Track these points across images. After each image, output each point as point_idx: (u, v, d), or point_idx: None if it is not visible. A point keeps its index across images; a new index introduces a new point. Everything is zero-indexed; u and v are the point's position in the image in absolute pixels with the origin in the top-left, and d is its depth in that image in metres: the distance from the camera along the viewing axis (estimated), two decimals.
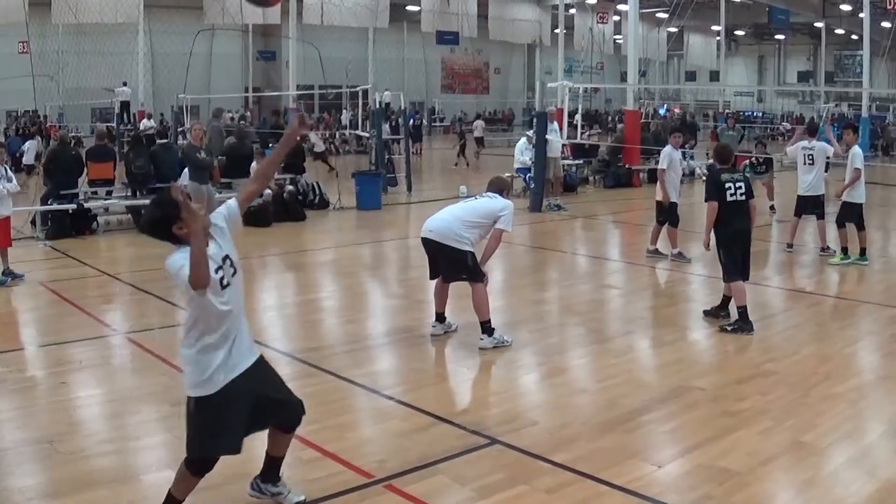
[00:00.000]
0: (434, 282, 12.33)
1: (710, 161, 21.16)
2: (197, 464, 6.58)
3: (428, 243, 11.99)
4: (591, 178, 33.68)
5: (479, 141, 47.33)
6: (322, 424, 8.51)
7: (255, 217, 20.91)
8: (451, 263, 11.84)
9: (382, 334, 12.56)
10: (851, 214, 18.06)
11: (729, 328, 12.88)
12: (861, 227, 18.16)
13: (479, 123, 51.21)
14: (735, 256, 13.00)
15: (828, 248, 18.83)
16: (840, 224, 18.22)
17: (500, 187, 12.36)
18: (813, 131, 19.64)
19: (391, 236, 21.54)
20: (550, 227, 23.34)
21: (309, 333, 12.50)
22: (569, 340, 12.67)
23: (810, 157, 18.50)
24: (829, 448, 8.65)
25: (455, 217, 11.90)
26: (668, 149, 18.64)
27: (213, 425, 6.43)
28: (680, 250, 18.17)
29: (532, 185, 26.45)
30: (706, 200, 13.15)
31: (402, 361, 11.35)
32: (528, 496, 7.40)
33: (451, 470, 7.79)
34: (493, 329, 11.84)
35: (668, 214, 18.36)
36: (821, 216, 18.72)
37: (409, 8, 59.58)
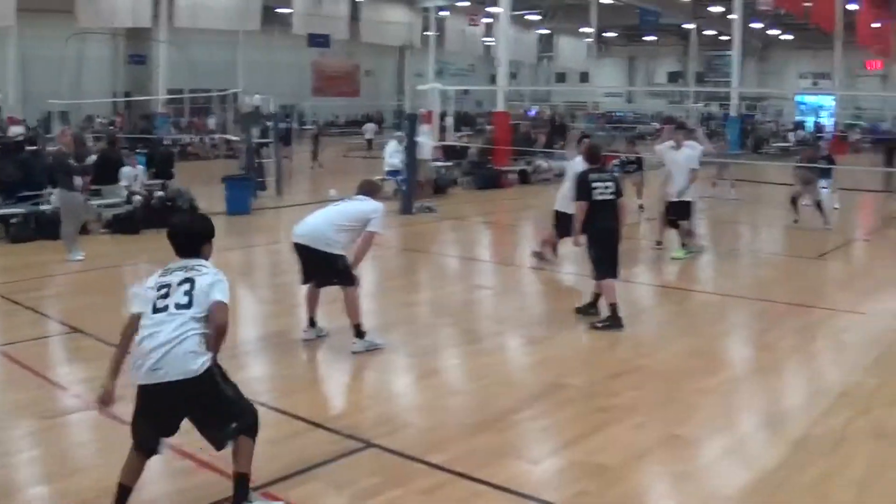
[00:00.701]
0: (306, 286, 12.38)
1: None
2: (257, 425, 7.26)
3: (299, 248, 12.03)
4: (460, 180, 33.83)
5: (370, 143, 47.65)
6: (195, 434, 8.53)
7: (123, 224, 20.80)
8: (323, 268, 11.88)
9: (254, 340, 12.56)
10: (686, 212, 18.76)
11: (600, 325, 13.21)
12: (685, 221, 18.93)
13: (371, 126, 51.54)
14: (605, 254, 13.28)
15: (660, 242, 19.34)
16: (672, 223, 19.09)
17: (369, 190, 12.41)
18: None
19: (261, 241, 21.51)
20: (421, 229, 23.48)
21: None
22: (441, 341, 12.79)
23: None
24: (703, 440, 8.97)
25: (325, 221, 11.92)
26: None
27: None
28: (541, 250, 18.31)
29: (403, 188, 26.57)
30: (575, 200, 13.44)
31: (274, 367, 11.40)
32: (405, 499, 7.49)
33: (326, 475, 7.88)
34: (365, 332, 11.91)
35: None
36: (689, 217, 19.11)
37: (281, 10, 59.20)
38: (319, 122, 66.08)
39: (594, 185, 13.21)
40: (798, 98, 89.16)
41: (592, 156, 13.98)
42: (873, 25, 63.59)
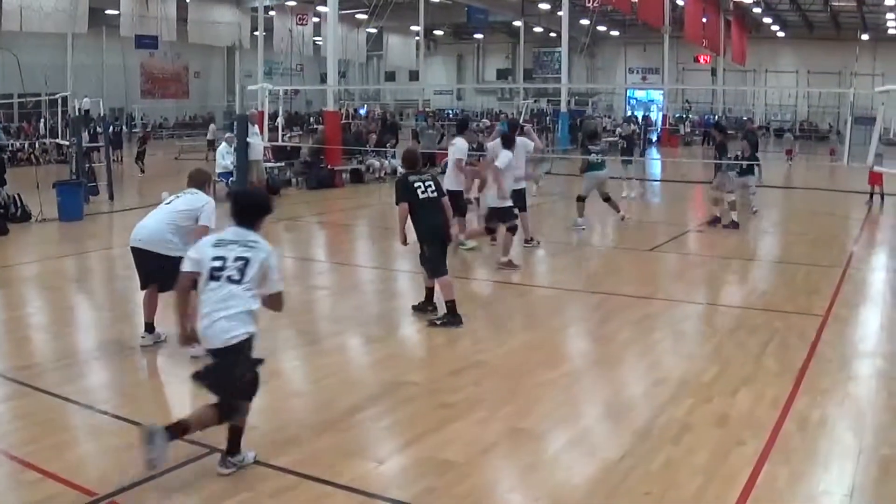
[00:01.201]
0: (144, 291, 12.17)
1: None
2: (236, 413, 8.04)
3: (137, 252, 11.89)
4: (294, 180, 33.70)
5: (211, 144, 47.29)
6: (39, 444, 8.34)
7: None
8: (164, 271, 11.38)
9: (93, 348, 12.27)
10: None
11: (438, 322, 13.31)
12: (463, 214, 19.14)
13: (214, 127, 51.24)
14: (434, 251, 13.43)
15: (532, 239, 19.47)
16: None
17: (200, 181, 12.27)
18: (514, 127, 20.14)
19: (95, 247, 21.04)
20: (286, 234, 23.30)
21: (18, 351, 12.08)
22: (279, 343, 12.64)
23: None
24: (547, 433, 9.06)
25: (161, 222, 11.80)
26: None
27: None
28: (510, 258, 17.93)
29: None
30: (397, 203, 13.55)
31: (114, 375, 11.15)
32: (253, 502, 7.46)
33: (173, 481, 7.75)
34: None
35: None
36: (523, 209, 19.21)
37: (108, 12, 58.27)
38: (145, 125, 65.18)
39: (416, 185, 13.37)
40: (630, 93, 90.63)
41: (410, 160, 14.11)
42: (702, 20, 64.94)
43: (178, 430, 7.80)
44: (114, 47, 65.13)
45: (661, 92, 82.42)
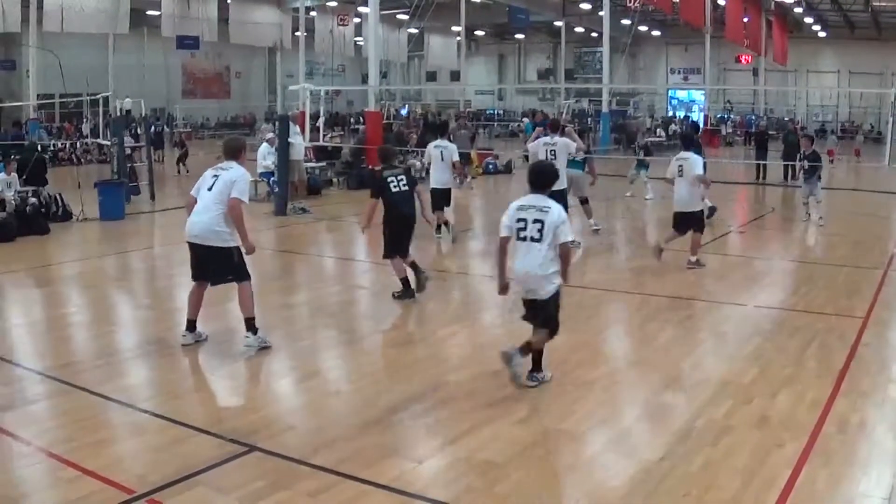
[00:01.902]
0: (192, 286, 12.28)
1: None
2: None
3: (194, 247, 12.03)
4: (335, 180, 33.74)
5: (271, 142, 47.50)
6: (79, 442, 8.38)
7: None
8: (219, 264, 11.93)
9: (134, 346, 12.32)
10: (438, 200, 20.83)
11: (396, 294, 14.85)
12: (442, 207, 21.00)
13: (269, 126, 51.43)
14: (396, 236, 14.91)
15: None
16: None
17: (234, 149, 12.44)
18: (556, 127, 20.20)
19: (136, 246, 21.14)
20: (296, 230, 23.31)
21: (59, 349, 12.15)
22: (321, 343, 12.76)
23: (552, 152, 19.16)
24: (587, 433, 9.04)
25: (209, 212, 11.84)
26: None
27: None
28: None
29: (276, 189, 26.42)
30: (371, 198, 14.84)
31: (154, 373, 11.18)
32: (292, 501, 7.45)
33: (211, 480, 7.76)
34: (257, 328, 11.99)
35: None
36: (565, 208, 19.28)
37: (150, 13, 58.50)
38: (180, 126, 65.21)
39: (389, 180, 14.85)
40: (671, 93, 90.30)
41: (384, 156, 15.56)
42: (743, 20, 64.66)
43: (526, 348, 10.34)
44: (155, 48, 65.39)
45: (703, 92, 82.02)
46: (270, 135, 28.69)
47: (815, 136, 41.40)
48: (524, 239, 10.25)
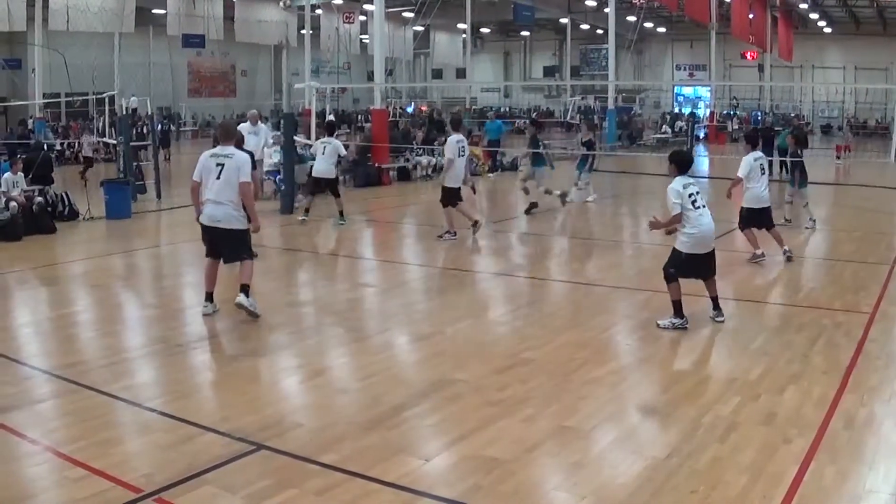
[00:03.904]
0: (206, 261, 13.54)
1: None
2: None
3: (214, 231, 13.12)
4: (341, 178, 33.71)
5: None
6: (87, 441, 8.38)
7: (4, 231, 20.36)
8: (234, 244, 13.21)
9: (140, 345, 12.34)
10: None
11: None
12: (336, 194, 22.80)
13: (245, 126, 51.36)
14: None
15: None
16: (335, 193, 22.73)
17: (230, 133, 13.90)
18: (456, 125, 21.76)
19: (142, 245, 21.14)
20: (303, 228, 23.22)
21: (66, 349, 12.15)
22: (327, 341, 12.76)
23: (462, 149, 20.52)
24: (594, 431, 9.02)
25: (228, 199, 12.97)
26: (749, 157, 18.40)
27: None
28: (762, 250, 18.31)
29: (282, 187, 26.42)
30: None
31: (161, 372, 11.18)
32: (299, 499, 7.43)
33: (219, 479, 7.75)
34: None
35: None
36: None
37: (155, 11, 58.46)
38: (188, 124, 65.23)
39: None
40: (677, 90, 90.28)
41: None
42: (749, 16, 64.59)
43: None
44: (161, 46, 65.41)
45: (709, 89, 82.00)
46: (277, 133, 28.76)
47: (822, 132, 41.22)
48: (698, 208, 12.89)
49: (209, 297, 13.62)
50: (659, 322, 13.04)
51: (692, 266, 13.04)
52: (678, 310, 12.98)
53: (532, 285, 16.52)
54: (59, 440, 8.53)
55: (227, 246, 13.32)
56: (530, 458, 8.30)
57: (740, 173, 18.07)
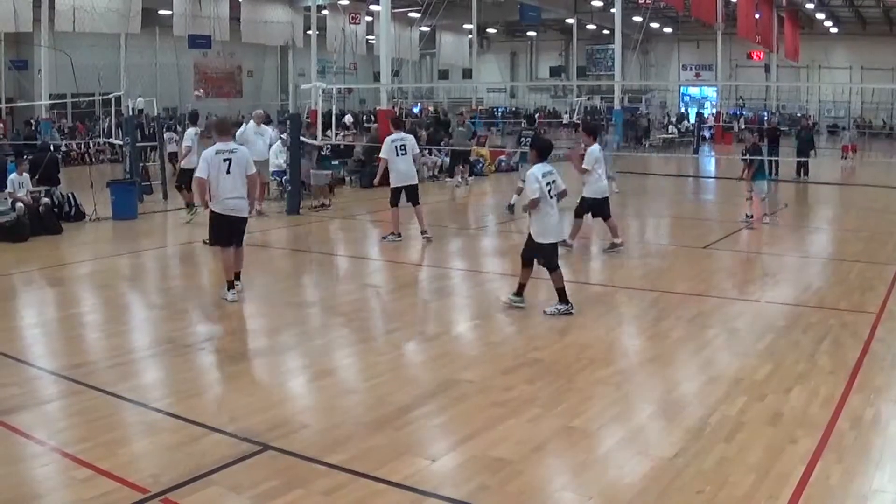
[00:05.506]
0: (225, 251, 14.70)
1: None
2: None
3: (235, 220, 14.47)
4: (347, 179, 33.73)
5: None
6: (93, 442, 8.39)
7: (10, 232, 20.35)
8: (243, 230, 14.97)
9: (147, 346, 12.34)
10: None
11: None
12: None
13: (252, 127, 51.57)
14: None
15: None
16: None
17: (228, 129, 15.29)
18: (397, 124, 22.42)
19: (148, 246, 21.16)
20: (309, 228, 23.30)
21: (72, 349, 12.14)
22: (333, 342, 12.75)
23: (402, 147, 21.31)
24: (600, 431, 9.01)
25: (241, 191, 14.48)
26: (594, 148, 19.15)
27: None
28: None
29: (288, 188, 26.42)
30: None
31: (167, 372, 11.17)
32: (306, 500, 7.43)
33: (225, 479, 7.75)
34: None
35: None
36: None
37: (161, 12, 58.48)
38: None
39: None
40: (683, 90, 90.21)
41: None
42: (755, 16, 64.58)
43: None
44: (167, 47, 65.37)
45: (715, 89, 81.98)
46: (284, 136, 28.77)
47: (829, 133, 41.21)
48: (552, 197, 13.63)
49: (231, 284, 14.54)
50: (546, 310, 13.74)
51: (548, 254, 14.01)
52: (563, 297, 13.78)
53: (538, 286, 16.51)
54: (66, 441, 8.54)
55: (239, 231, 14.80)
56: (537, 458, 8.29)
57: (586, 165, 18.71)
